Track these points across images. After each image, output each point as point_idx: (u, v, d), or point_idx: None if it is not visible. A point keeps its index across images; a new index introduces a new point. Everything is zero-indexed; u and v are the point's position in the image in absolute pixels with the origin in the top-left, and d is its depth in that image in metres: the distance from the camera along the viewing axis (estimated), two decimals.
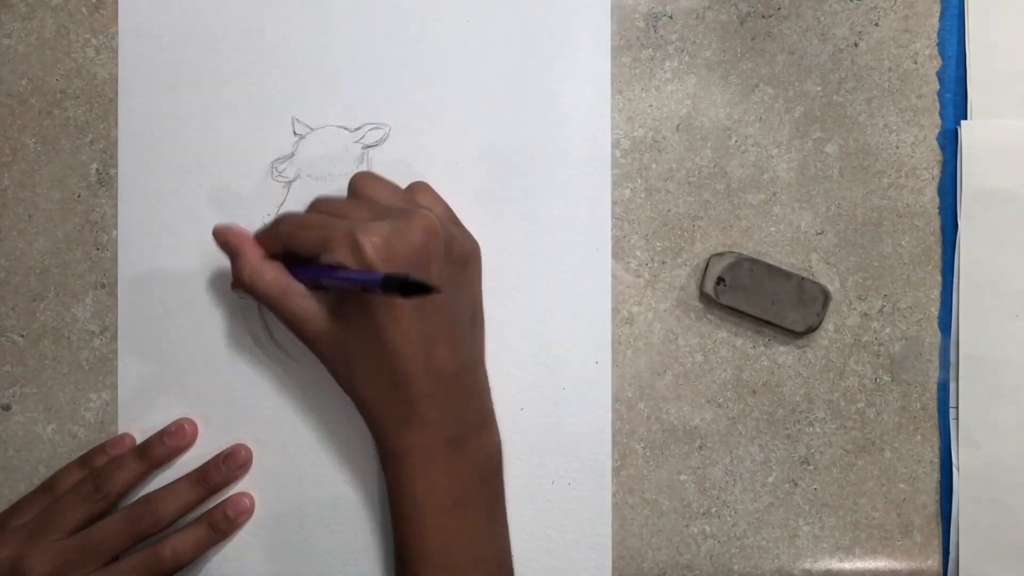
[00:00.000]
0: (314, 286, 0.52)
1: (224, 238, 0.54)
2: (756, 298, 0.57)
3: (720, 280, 0.57)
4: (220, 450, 0.58)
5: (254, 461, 0.58)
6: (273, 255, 0.53)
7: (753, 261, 0.57)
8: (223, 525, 0.57)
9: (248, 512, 0.58)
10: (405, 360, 0.50)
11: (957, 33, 0.58)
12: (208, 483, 0.57)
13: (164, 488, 0.57)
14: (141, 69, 0.59)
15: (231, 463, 0.57)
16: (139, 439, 0.58)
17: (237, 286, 0.53)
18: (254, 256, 0.52)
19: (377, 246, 0.48)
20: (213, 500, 0.58)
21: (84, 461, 0.58)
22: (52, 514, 0.55)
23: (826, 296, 0.57)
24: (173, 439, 0.57)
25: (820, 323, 0.57)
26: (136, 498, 0.57)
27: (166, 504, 0.56)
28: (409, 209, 0.51)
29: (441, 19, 0.59)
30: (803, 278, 0.57)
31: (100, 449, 0.58)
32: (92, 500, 0.56)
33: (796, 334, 0.58)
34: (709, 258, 0.58)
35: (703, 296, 0.58)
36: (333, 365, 0.53)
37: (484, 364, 0.56)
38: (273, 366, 0.58)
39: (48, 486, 0.57)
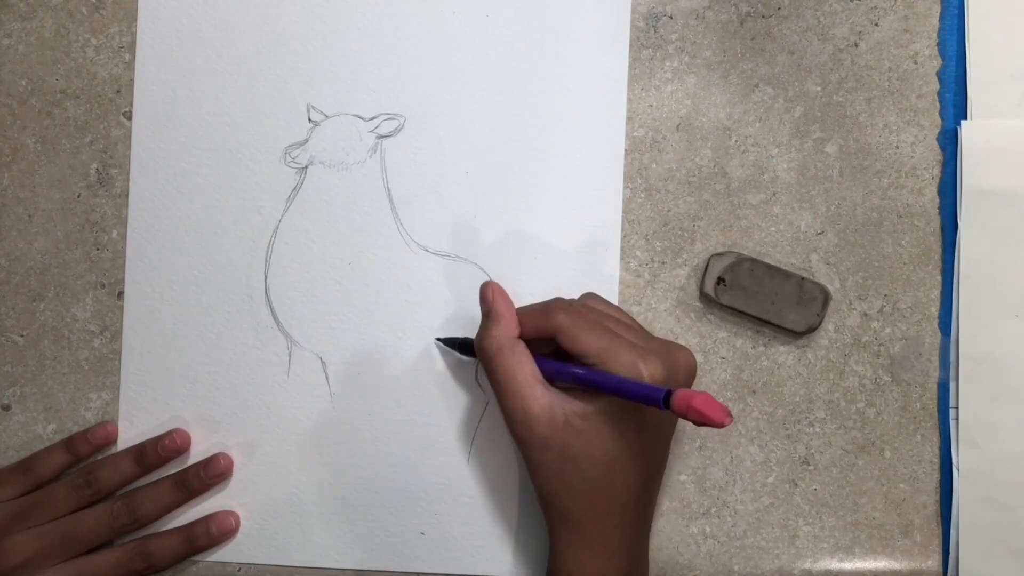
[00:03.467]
0: (553, 380, 0.52)
1: (491, 296, 0.53)
2: (756, 298, 0.57)
3: (720, 280, 0.57)
4: (221, 450, 0.58)
5: (249, 461, 0.58)
6: (524, 334, 0.53)
7: (753, 261, 0.57)
8: (203, 540, 0.57)
9: (232, 532, 0.58)
10: (630, 490, 0.52)
11: (957, 33, 0.58)
12: (188, 488, 0.58)
13: (146, 488, 0.57)
14: (158, 51, 0.59)
15: (210, 471, 0.58)
16: (140, 438, 0.58)
17: (479, 350, 0.53)
18: (512, 331, 0.52)
19: (656, 382, 0.49)
20: (193, 502, 0.58)
21: (68, 447, 0.58)
22: (41, 500, 0.56)
23: (826, 296, 0.57)
24: (167, 449, 0.58)
25: (820, 323, 0.58)
26: (119, 494, 0.58)
27: (148, 505, 0.57)
28: (670, 344, 0.53)
29: (460, 12, 0.59)
30: (803, 278, 0.57)
31: (83, 437, 0.58)
32: (83, 494, 0.57)
33: (796, 334, 0.58)
34: (709, 258, 0.58)
35: (703, 296, 0.58)
36: (546, 472, 0.51)
37: None
38: (274, 366, 0.58)
39: (28, 467, 0.57)
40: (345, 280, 0.58)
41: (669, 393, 0.46)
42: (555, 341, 0.51)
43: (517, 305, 0.53)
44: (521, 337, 0.53)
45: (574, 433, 0.50)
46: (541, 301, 0.54)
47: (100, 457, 0.58)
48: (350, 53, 0.59)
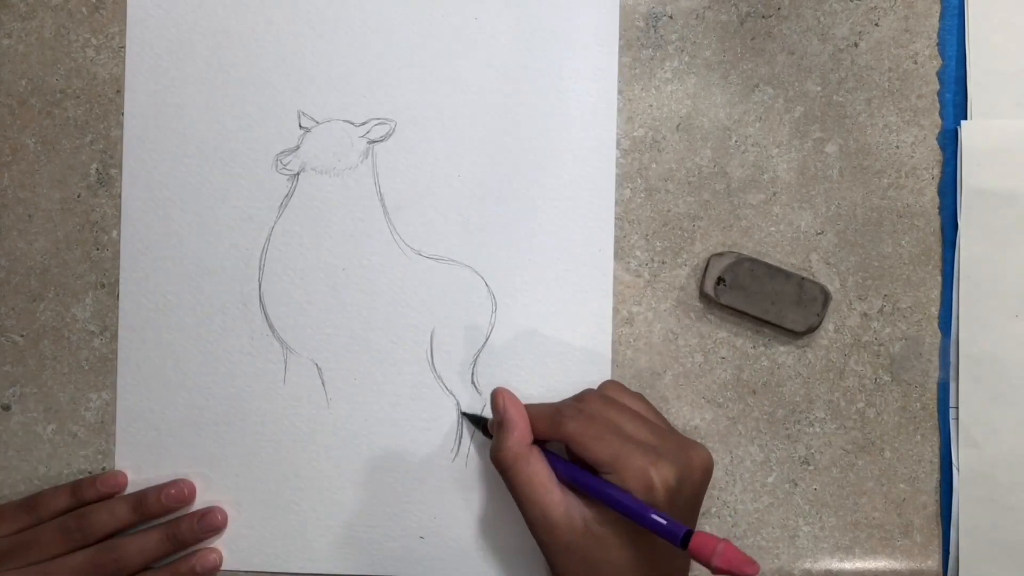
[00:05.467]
0: (569, 484, 0.51)
1: (503, 405, 0.53)
2: (756, 298, 0.57)
3: (720, 280, 0.57)
4: (219, 461, 0.58)
5: (247, 468, 0.58)
6: (536, 439, 0.53)
7: (753, 261, 0.57)
8: None
9: (216, 569, 0.57)
10: None
11: (957, 33, 0.58)
12: (178, 540, 0.56)
13: (133, 537, 0.56)
14: (148, 59, 0.59)
15: (204, 524, 0.57)
16: (136, 449, 0.58)
17: (495, 462, 0.52)
18: (525, 439, 0.52)
19: (669, 488, 0.49)
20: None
21: (74, 491, 0.57)
22: (28, 540, 0.55)
23: (826, 296, 0.57)
24: (171, 499, 0.57)
25: (820, 323, 0.57)
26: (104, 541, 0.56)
27: (132, 555, 0.56)
28: (685, 443, 0.52)
29: (449, 16, 0.59)
30: (803, 278, 0.57)
31: (91, 482, 0.57)
32: (72, 537, 0.55)
33: (796, 334, 0.58)
34: (709, 258, 0.58)
35: (703, 296, 0.58)
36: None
37: None
38: (270, 373, 0.58)
39: (32, 505, 0.57)
40: (339, 286, 0.58)
41: (689, 533, 0.46)
42: None
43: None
44: (535, 440, 0.53)
45: (594, 539, 0.50)
46: (551, 404, 0.54)
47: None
48: (340, 59, 0.59)
